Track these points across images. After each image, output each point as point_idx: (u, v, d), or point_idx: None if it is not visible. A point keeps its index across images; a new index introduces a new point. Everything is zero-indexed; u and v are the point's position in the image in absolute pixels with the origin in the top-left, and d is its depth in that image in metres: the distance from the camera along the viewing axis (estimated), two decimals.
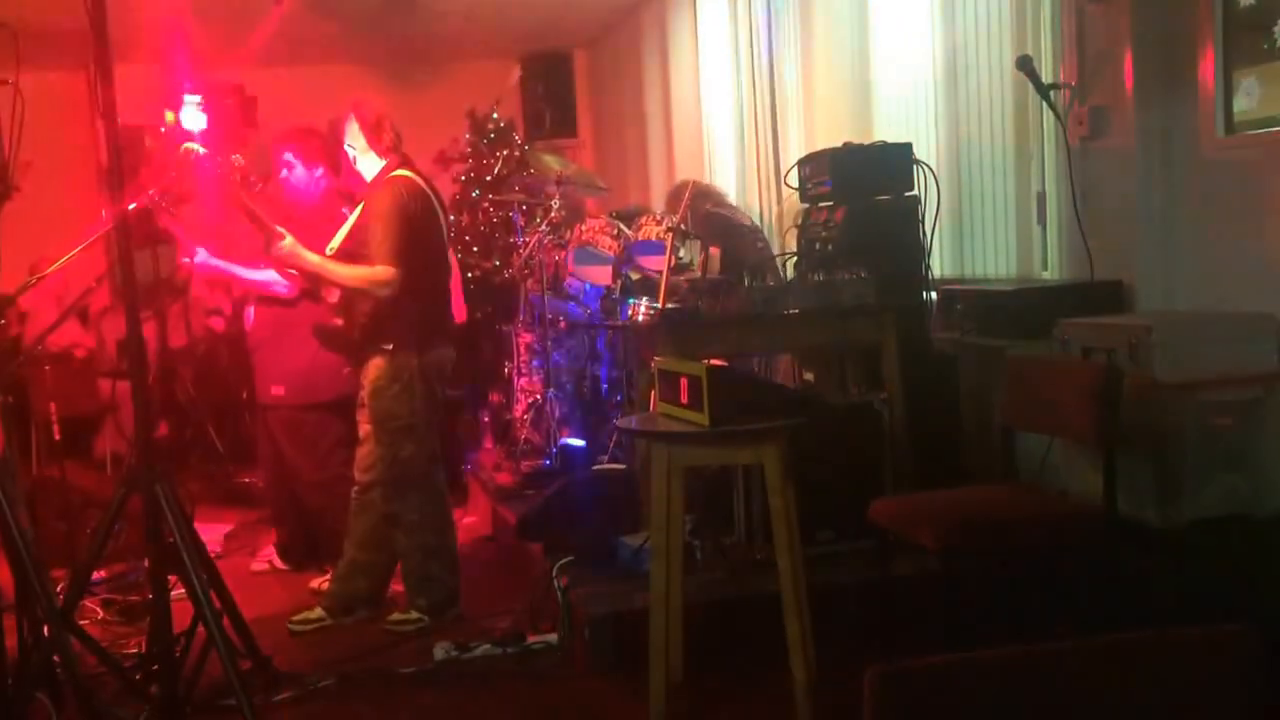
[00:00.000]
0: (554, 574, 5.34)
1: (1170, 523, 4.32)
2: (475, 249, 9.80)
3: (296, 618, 5.68)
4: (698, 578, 4.88)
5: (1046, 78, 5.36)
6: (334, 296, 5.58)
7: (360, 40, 10.71)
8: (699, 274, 6.00)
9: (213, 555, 5.25)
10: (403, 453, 5.52)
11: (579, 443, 7.01)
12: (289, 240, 5.41)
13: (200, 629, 4.46)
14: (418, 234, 5.41)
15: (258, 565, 6.73)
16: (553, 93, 12.33)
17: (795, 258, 6.19)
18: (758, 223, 8.03)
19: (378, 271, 5.34)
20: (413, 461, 5.53)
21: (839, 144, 5.96)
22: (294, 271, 5.86)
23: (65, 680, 4.38)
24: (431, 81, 11.26)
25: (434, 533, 5.60)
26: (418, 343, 5.47)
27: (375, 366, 5.48)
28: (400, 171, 5.51)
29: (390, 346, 5.46)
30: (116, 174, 4.44)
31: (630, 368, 6.88)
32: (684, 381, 4.17)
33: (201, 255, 6.15)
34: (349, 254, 5.52)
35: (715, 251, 6.34)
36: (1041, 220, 5.62)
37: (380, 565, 5.73)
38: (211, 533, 7.01)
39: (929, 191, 5.81)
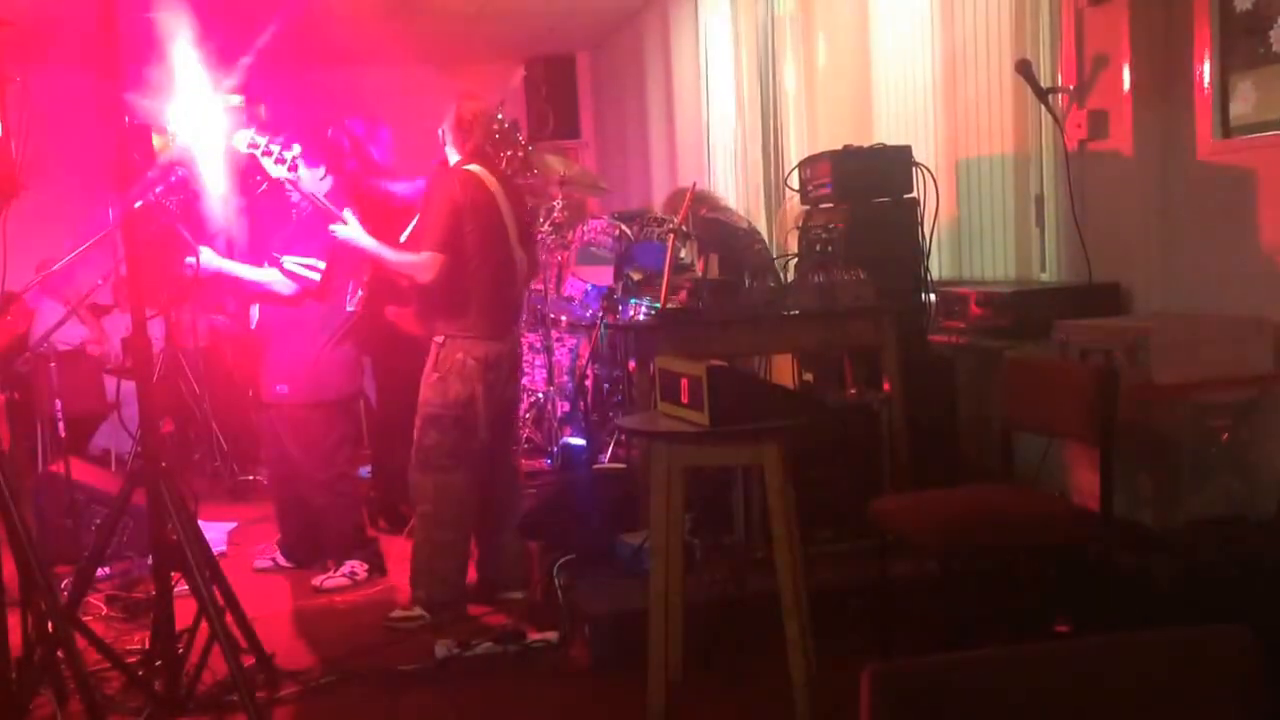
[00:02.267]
0: (554, 572, 5.36)
1: (1167, 523, 4.34)
2: None
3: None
4: (697, 577, 4.89)
5: (1045, 81, 5.39)
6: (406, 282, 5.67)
7: (365, 43, 10.73)
8: (698, 274, 6.02)
9: (216, 553, 5.28)
10: (426, 440, 5.57)
11: (580, 442, 7.03)
12: (351, 224, 5.61)
13: (203, 626, 4.49)
14: (468, 224, 5.47)
15: (261, 563, 6.74)
16: (556, 95, 12.37)
17: (796, 259, 6.21)
18: (757, 224, 8.05)
19: (421, 256, 5.45)
20: (433, 451, 5.56)
21: (839, 147, 5.98)
22: (313, 270, 5.96)
23: (69, 676, 4.40)
24: (436, 83, 11.29)
25: (446, 528, 5.60)
26: (467, 337, 5.52)
27: (431, 353, 5.58)
28: (469, 166, 5.58)
29: (441, 339, 5.55)
30: (123, 173, 4.47)
31: (631, 367, 6.90)
32: (685, 381, 4.19)
33: (206, 254, 6.17)
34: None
35: (713, 258, 6.37)
36: (1040, 222, 5.64)
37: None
38: (215, 530, 7.03)
39: (928, 194, 5.83)
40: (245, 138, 5.79)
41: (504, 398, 5.70)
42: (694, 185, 6.29)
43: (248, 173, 6.35)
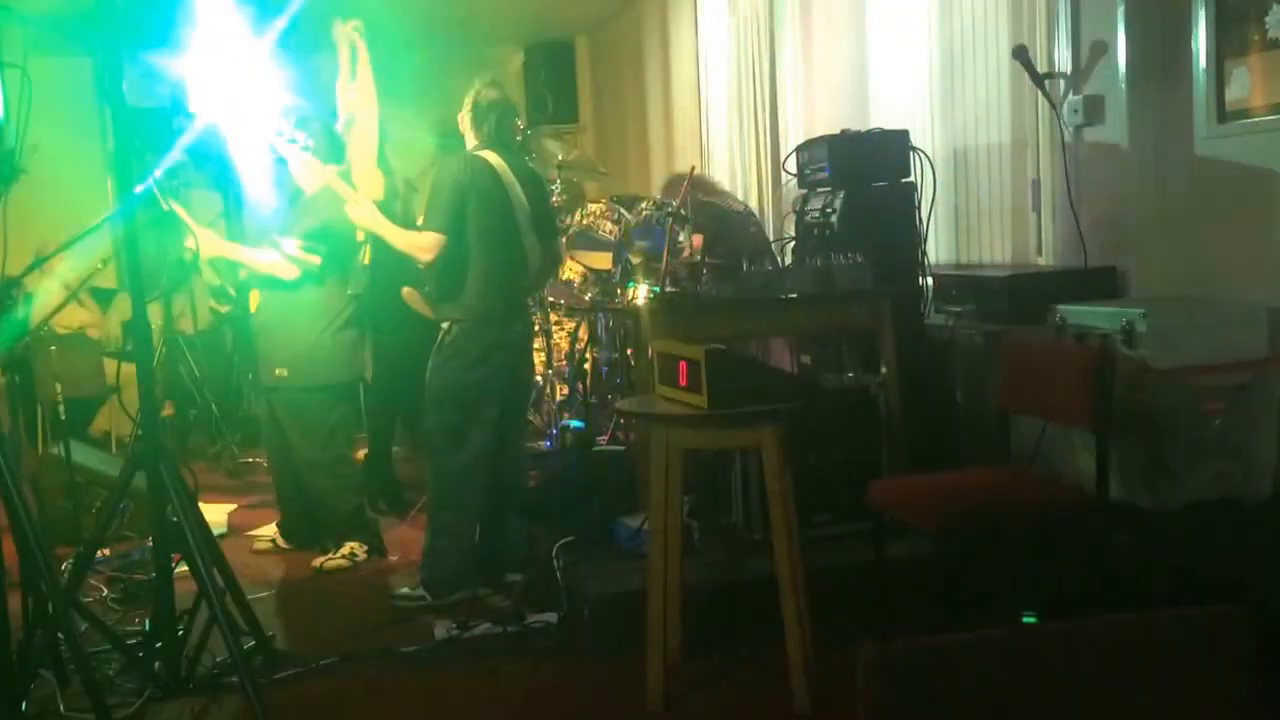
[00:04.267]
0: (554, 554, 5.39)
1: (1162, 506, 4.35)
2: None
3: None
4: (695, 559, 4.91)
5: (1041, 67, 5.40)
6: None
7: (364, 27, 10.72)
8: (688, 256, 6.03)
9: (216, 534, 5.29)
10: (428, 421, 5.64)
11: (579, 424, 7.05)
12: (365, 204, 5.66)
13: (203, 607, 4.51)
14: (471, 209, 5.48)
15: (260, 545, 6.77)
16: (555, 79, 12.37)
17: (793, 243, 6.23)
18: (753, 207, 8.06)
19: (422, 237, 5.48)
20: (433, 433, 5.61)
21: (837, 131, 6.00)
22: (308, 254, 6.00)
23: (69, 658, 4.42)
24: (435, 67, 11.29)
25: (445, 509, 5.62)
26: (470, 321, 5.53)
27: (439, 337, 5.64)
28: (480, 151, 5.60)
29: (446, 326, 5.58)
30: (123, 157, 4.48)
31: (629, 351, 6.92)
32: (683, 365, 4.21)
33: (207, 238, 6.18)
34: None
35: (698, 240, 6.38)
36: (1036, 207, 5.65)
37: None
38: (215, 512, 7.05)
39: (925, 178, 5.85)
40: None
41: (511, 381, 5.70)
42: (692, 169, 6.30)
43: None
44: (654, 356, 4.54)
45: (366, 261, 6.52)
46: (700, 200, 6.81)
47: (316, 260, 6.09)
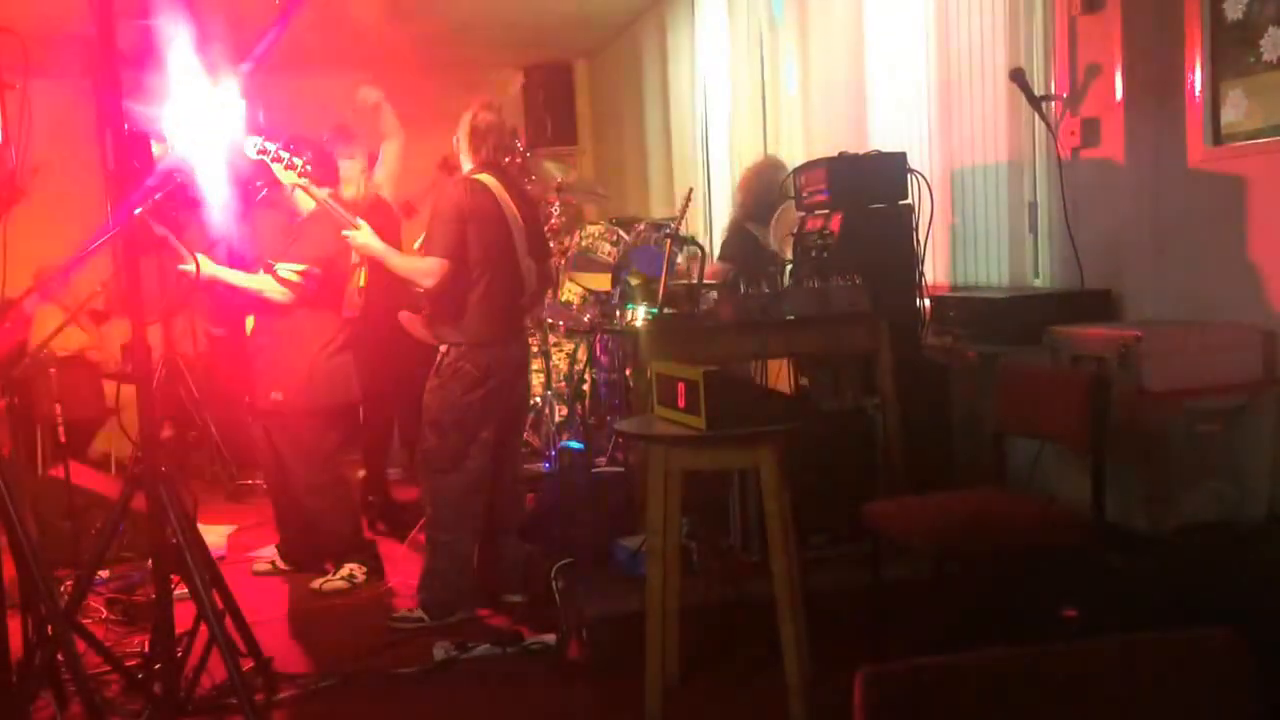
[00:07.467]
0: (552, 576, 5.39)
1: (1158, 527, 4.36)
2: None
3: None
4: (694, 580, 4.92)
5: (1038, 89, 5.42)
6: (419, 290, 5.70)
7: (365, 50, 10.76)
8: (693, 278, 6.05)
9: (215, 556, 5.30)
10: (426, 443, 5.63)
11: (578, 445, 7.06)
12: (364, 230, 5.64)
13: (202, 629, 4.51)
14: (472, 232, 5.49)
15: (260, 566, 6.77)
16: (554, 102, 12.41)
17: (791, 265, 6.24)
18: (751, 230, 8.07)
19: (425, 262, 5.49)
20: (432, 455, 5.60)
21: (835, 153, 6.01)
22: (308, 277, 5.99)
23: (69, 679, 4.42)
24: (435, 90, 11.32)
25: (443, 529, 5.63)
26: (468, 344, 5.54)
27: (436, 360, 5.65)
28: (478, 175, 5.62)
29: (445, 347, 5.59)
30: (121, 180, 4.49)
31: (628, 372, 6.93)
32: (681, 386, 4.22)
33: (202, 262, 6.19)
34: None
35: (720, 268, 6.40)
36: (1033, 229, 5.67)
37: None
38: (214, 534, 7.05)
39: (923, 200, 5.87)
40: (255, 144, 5.82)
41: (508, 403, 5.72)
42: (689, 191, 6.33)
43: (248, 180, 6.37)
44: (652, 378, 4.55)
45: (362, 285, 6.53)
46: (745, 229, 6.84)
47: (311, 284, 6.10)
